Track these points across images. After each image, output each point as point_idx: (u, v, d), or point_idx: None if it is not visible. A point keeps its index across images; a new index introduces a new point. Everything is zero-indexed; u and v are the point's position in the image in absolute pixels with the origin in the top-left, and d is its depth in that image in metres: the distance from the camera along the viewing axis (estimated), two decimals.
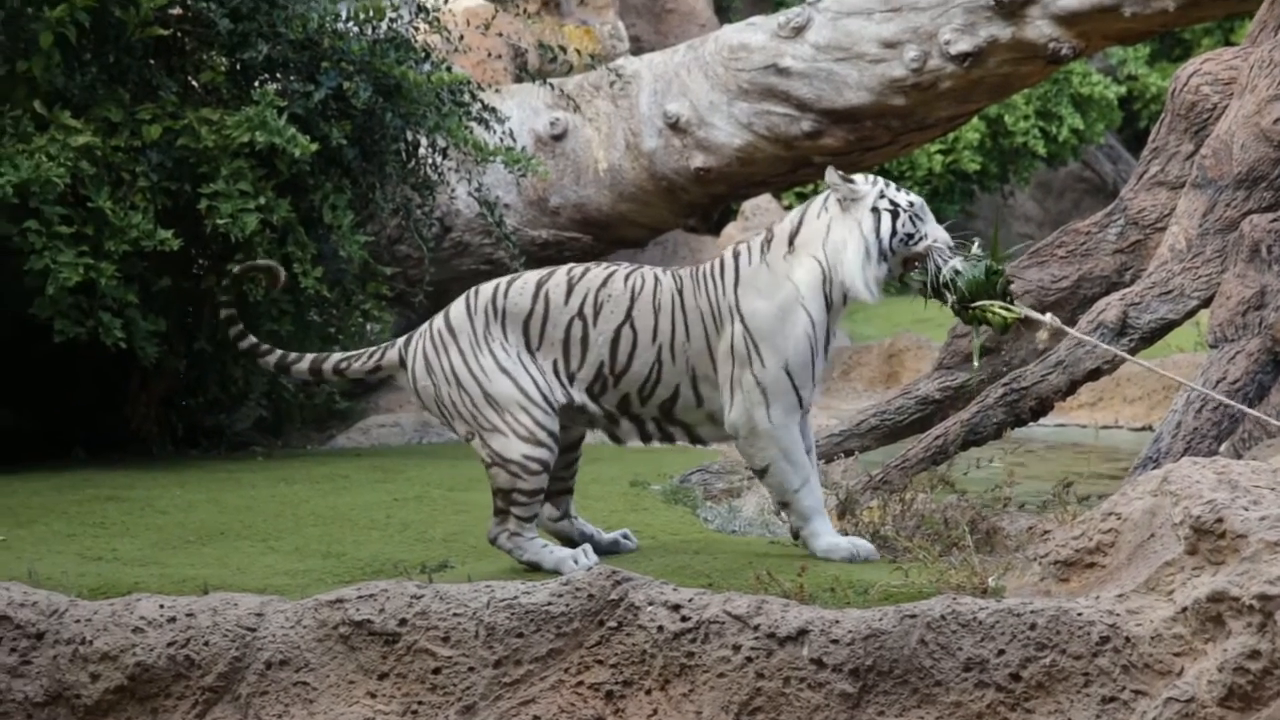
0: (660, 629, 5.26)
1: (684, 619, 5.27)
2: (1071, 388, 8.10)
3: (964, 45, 12.03)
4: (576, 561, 6.23)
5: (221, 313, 6.85)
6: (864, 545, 6.39)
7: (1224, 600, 4.98)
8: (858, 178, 6.42)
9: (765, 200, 17.63)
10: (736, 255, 6.44)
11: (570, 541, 6.53)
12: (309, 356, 6.67)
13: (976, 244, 6.48)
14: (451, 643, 5.32)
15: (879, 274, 6.34)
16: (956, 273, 6.33)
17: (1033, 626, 5.13)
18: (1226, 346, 7.58)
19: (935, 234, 6.39)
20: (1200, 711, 4.96)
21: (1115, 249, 8.67)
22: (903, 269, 6.40)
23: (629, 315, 6.36)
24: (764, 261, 6.39)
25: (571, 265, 6.51)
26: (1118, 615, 5.13)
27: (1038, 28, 11.89)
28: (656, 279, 6.42)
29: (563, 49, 14.15)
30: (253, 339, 6.75)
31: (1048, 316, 6.70)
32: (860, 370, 15.26)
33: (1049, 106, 20.15)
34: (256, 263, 7.10)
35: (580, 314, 6.36)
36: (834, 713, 5.15)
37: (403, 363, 6.47)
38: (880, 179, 6.44)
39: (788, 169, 12.89)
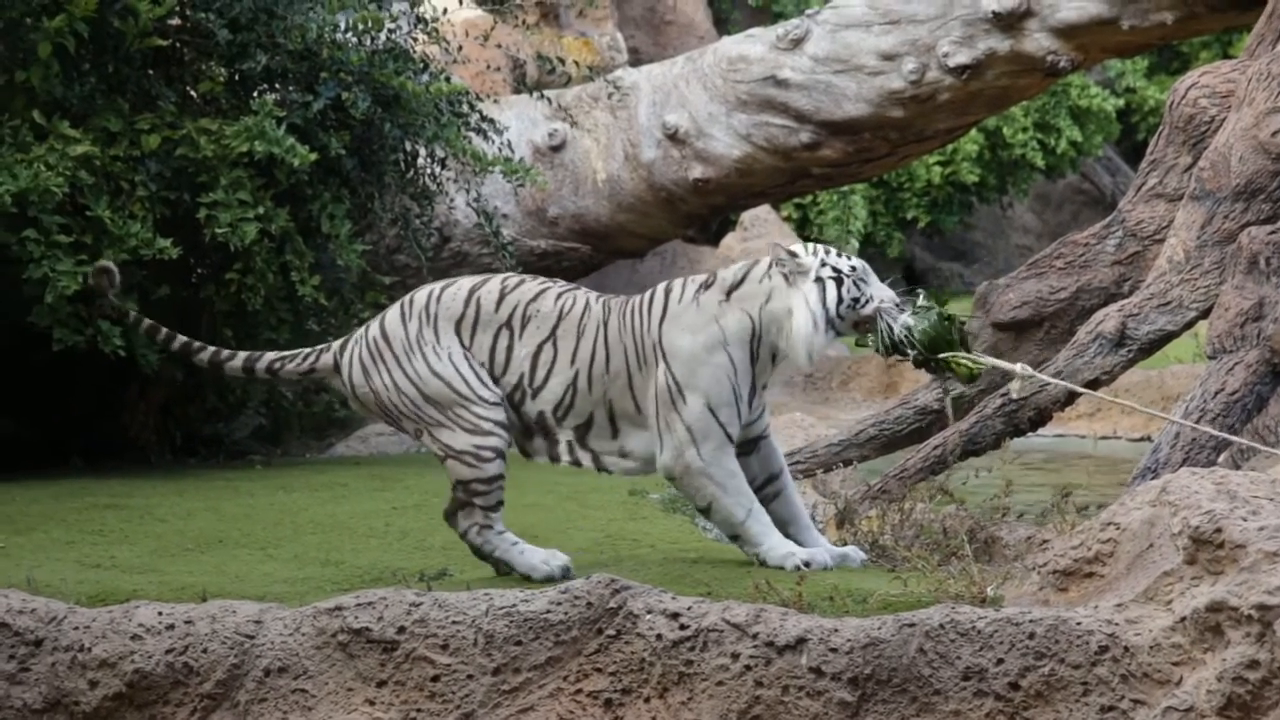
0: (659, 637, 5.26)
1: (682, 627, 5.26)
2: (1070, 398, 8.11)
3: (962, 57, 12.03)
4: (547, 564, 6.25)
5: (131, 315, 6.97)
6: (822, 554, 6.32)
7: (1223, 610, 4.99)
8: (799, 249, 6.34)
9: (764, 211, 17.63)
10: (668, 291, 6.40)
11: None
12: (242, 354, 6.67)
13: (921, 296, 6.47)
14: (450, 650, 5.32)
15: (824, 343, 6.32)
16: (909, 328, 6.33)
17: (1031, 636, 5.13)
18: (1225, 358, 7.59)
19: (880, 294, 6.33)
20: None
21: (1113, 260, 8.67)
22: (855, 331, 6.39)
23: (553, 333, 6.34)
24: (695, 301, 6.35)
25: (508, 274, 6.50)
26: (1116, 625, 5.13)
27: (1036, 40, 11.90)
28: (587, 303, 6.38)
29: (561, 60, 14.14)
30: (184, 338, 6.76)
31: (1018, 366, 6.70)
32: (859, 380, 15.28)
33: (1047, 119, 20.16)
34: (99, 264, 7.09)
35: (508, 324, 6.34)
36: None
37: (338, 368, 6.47)
38: (821, 248, 6.38)
39: (786, 180, 12.89)
